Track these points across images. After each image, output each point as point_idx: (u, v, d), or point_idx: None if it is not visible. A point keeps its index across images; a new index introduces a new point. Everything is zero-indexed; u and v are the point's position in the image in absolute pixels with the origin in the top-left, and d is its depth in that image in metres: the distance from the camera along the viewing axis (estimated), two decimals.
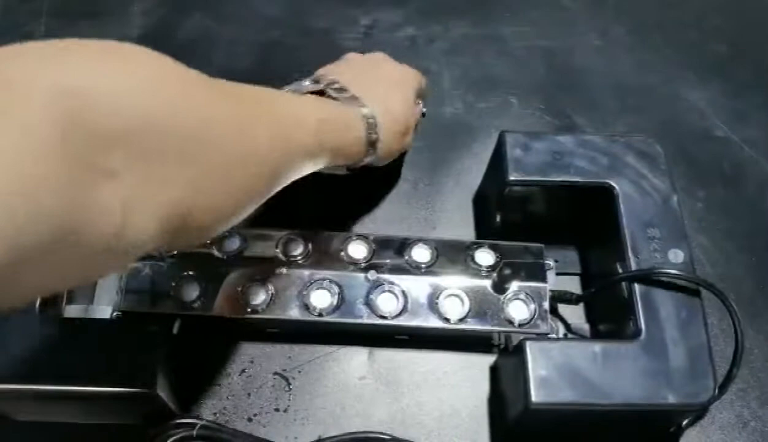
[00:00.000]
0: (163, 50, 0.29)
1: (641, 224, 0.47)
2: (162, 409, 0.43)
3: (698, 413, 0.48)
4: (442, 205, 0.58)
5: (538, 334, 0.47)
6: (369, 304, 0.47)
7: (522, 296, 0.48)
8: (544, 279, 0.49)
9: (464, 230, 0.56)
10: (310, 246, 0.49)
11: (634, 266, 0.46)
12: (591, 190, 0.49)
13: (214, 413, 0.47)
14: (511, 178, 0.49)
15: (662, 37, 0.71)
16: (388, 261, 0.49)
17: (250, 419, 0.47)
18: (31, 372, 0.41)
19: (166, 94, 0.28)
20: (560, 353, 0.42)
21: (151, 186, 0.27)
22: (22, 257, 0.22)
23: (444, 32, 0.70)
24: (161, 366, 0.41)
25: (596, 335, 0.51)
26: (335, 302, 0.47)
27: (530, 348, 0.42)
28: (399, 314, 0.47)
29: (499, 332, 0.50)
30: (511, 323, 0.47)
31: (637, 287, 0.45)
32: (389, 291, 0.48)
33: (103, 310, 0.46)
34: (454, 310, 0.47)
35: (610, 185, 0.49)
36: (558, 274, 0.52)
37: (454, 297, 0.48)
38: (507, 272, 0.47)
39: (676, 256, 0.46)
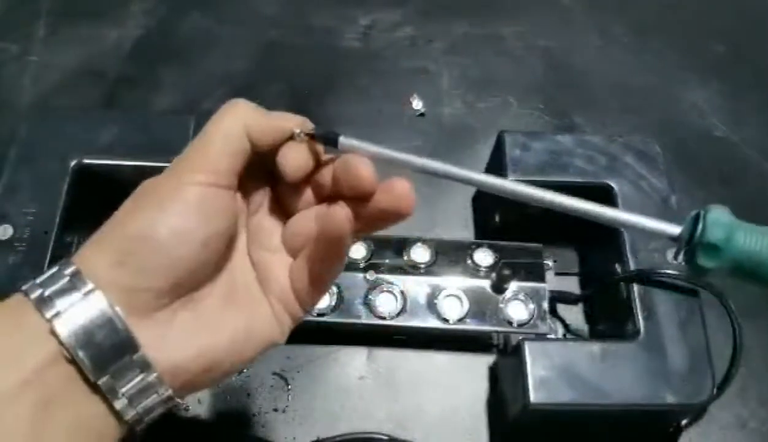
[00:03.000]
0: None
1: None
2: None
3: (697, 412, 0.48)
4: (441, 205, 0.58)
5: (537, 334, 0.47)
6: (368, 304, 0.47)
7: (521, 296, 0.48)
8: (543, 279, 0.49)
9: (463, 229, 0.56)
10: None
11: (632, 266, 0.46)
12: (590, 190, 0.49)
13: (214, 414, 0.47)
14: (510, 178, 0.49)
15: (662, 37, 0.71)
16: (386, 261, 0.49)
17: (249, 419, 0.47)
18: None
19: None
20: (559, 354, 0.42)
21: None
22: None
23: (443, 32, 0.70)
24: None
25: (595, 335, 0.51)
26: (334, 303, 0.47)
27: (529, 348, 0.42)
28: (398, 315, 0.47)
29: (498, 333, 0.50)
30: (510, 323, 0.47)
31: (635, 287, 0.45)
32: (388, 291, 0.48)
33: None
34: (453, 310, 0.47)
35: (609, 185, 0.49)
36: (557, 274, 0.52)
37: (453, 297, 0.48)
38: (506, 272, 0.47)
39: None
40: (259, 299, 0.32)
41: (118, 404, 0.27)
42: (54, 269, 0.28)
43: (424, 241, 0.50)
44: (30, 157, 0.48)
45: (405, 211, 0.31)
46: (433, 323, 0.47)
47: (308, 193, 0.33)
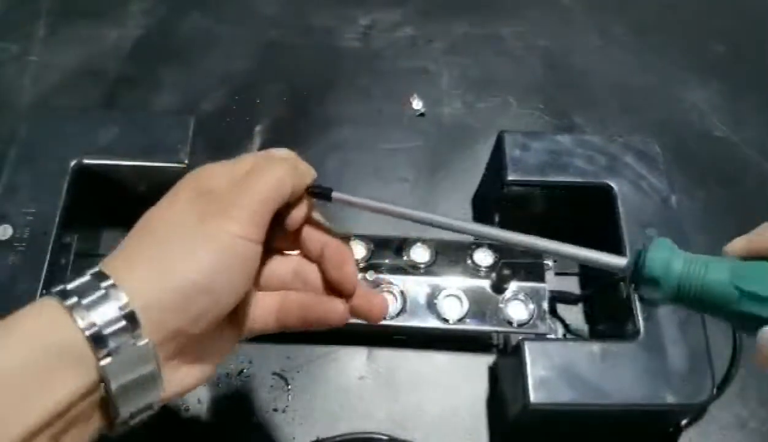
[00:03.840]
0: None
1: (640, 224, 0.47)
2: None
3: (697, 412, 0.48)
4: (441, 205, 0.58)
5: (536, 334, 0.47)
6: None
7: (521, 296, 0.48)
8: (542, 279, 0.49)
9: None
10: None
11: None
12: (590, 190, 0.49)
13: (214, 414, 0.47)
14: (510, 178, 0.49)
15: (662, 37, 0.71)
16: (386, 261, 0.49)
17: (249, 419, 0.47)
18: None
19: None
20: (559, 354, 0.42)
21: None
22: None
23: (443, 32, 0.70)
24: None
25: (595, 335, 0.51)
26: None
27: (529, 348, 0.42)
28: (398, 315, 0.47)
29: (498, 333, 0.50)
30: (509, 323, 0.47)
31: None
32: (388, 291, 0.48)
33: None
34: (453, 310, 0.47)
35: (609, 185, 0.49)
36: (557, 274, 0.52)
37: (452, 297, 0.48)
38: (506, 272, 0.47)
39: None
40: (226, 325, 0.33)
41: (120, 427, 0.28)
42: (104, 296, 0.26)
43: (424, 241, 0.50)
44: (30, 157, 0.48)
45: (375, 321, 0.35)
46: (433, 323, 0.47)
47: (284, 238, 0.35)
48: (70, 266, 0.47)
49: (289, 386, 0.48)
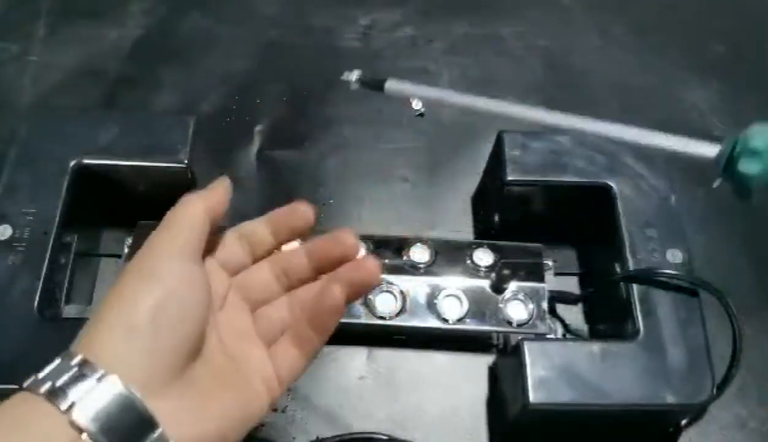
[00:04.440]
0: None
1: (640, 224, 0.47)
2: None
3: (697, 413, 0.48)
4: (441, 205, 0.58)
5: (536, 334, 0.47)
6: (367, 304, 0.47)
7: (520, 296, 0.48)
8: (542, 279, 0.49)
9: (463, 230, 0.56)
10: None
11: (632, 267, 0.46)
12: (589, 190, 0.49)
13: None
14: (510, 178, 0.49)
15: (662, 37, 0.71)
16: (386, 261, 0.49)
17: None
18: (30, 372, 0.41)
19: None
20: (558, 354, 0.42)
21: None
22: None
23: (443, 32, 0.70)
24: None
25: (595, 335, 0.51)
26: None
27: (528, 348, 0.42)
28: (397, 315, 0.47)
29: (497, 333, 0.50)
30: (509, 323, 0.47)
31: (635, 287, 0.45)
32: (388, 291, 0.48)
33: None
34: (453, 310, 0.47)
35: (609, 185, 0.49)
36: (556, 274, 0.52)
37: (452, 297, 0.48)
38: (505, 272, 0.47)
39: (675, 256, 0.46)
40: (245, 380, 0.34)
41: None
42: (57, 362, 0.28)
43: (423, 241, 0.50)
44: (30, 157, 0.48)
45: (376, 282, 0.40)
46: (432, 323, 0.47)
47: (270, 281, 0.36)
48: (70, 266, 0.47)
49: (289, 386, 0.48)
